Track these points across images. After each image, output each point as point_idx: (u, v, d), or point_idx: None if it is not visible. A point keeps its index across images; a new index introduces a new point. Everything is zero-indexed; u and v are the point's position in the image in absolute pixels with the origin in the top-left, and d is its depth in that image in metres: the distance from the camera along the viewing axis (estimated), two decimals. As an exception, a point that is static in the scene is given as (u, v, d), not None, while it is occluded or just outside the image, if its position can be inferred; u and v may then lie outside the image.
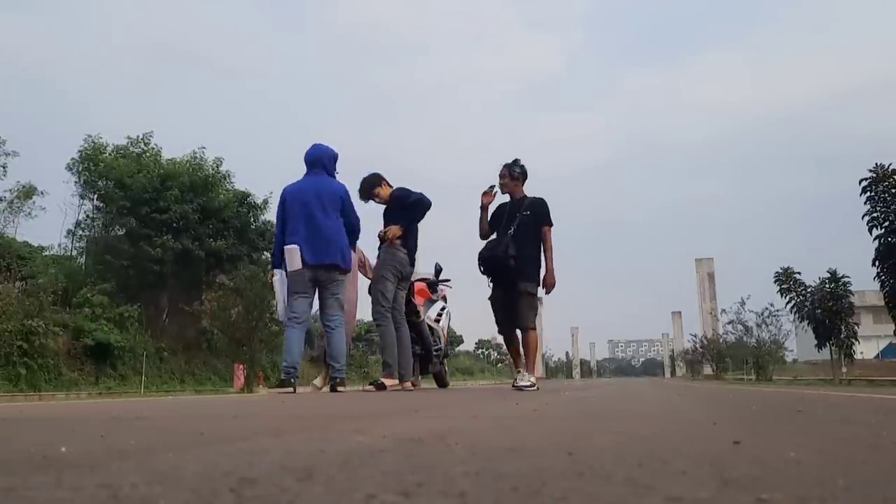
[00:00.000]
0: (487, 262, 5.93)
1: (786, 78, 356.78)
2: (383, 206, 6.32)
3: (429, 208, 6.17)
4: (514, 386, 5.79)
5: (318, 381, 6.59)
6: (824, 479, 0.86)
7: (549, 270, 5.83)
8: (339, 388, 5.61)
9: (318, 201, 5.61)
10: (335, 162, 5.91)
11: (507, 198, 6.11)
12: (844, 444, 1.40)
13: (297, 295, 5.64)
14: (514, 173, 6.03)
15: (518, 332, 5.92)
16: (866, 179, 13.56)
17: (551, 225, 5.96)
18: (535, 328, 5.85)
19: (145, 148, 20.06)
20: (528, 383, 5.59)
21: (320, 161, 5.80)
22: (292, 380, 5.58)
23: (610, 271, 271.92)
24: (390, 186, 6.30)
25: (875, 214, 13.41)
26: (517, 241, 5.80)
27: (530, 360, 5.73)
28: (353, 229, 5.85)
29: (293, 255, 5.56)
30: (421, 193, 6.20)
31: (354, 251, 6.04)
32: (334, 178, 5.85)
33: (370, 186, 6.25)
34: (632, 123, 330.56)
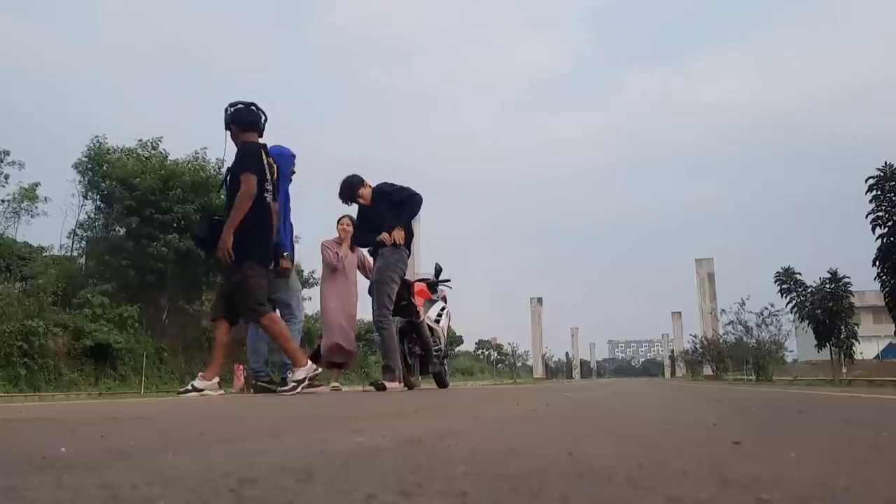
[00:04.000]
0: None
1: (787, 78, 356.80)
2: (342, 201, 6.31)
3: (421, 204, 6.23)
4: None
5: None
6: (824, 479, 0.86)
7: (225, 229, 4.54)
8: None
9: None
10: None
11: None
12: (845, 444, 1.40)
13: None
14: (224, 120, 4.82)
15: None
16: (873, 178, 13.55)
17: (248, 171, 4.57)
18: (218, 319, 4.83)
19: (153, 151, 20.08)
20: (191, 387, 4.70)
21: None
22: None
23: (610, 271, 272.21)
24: (369, 186, 6.32)
25: (880, 213, 13.41)
26: (227, 209, 4.72)
27: (214, 359, 4.91)
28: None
29: None
30: (410, 189, 6.21)
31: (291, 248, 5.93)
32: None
33: (353, 188, 6.25)
34: (633, 123, 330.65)
